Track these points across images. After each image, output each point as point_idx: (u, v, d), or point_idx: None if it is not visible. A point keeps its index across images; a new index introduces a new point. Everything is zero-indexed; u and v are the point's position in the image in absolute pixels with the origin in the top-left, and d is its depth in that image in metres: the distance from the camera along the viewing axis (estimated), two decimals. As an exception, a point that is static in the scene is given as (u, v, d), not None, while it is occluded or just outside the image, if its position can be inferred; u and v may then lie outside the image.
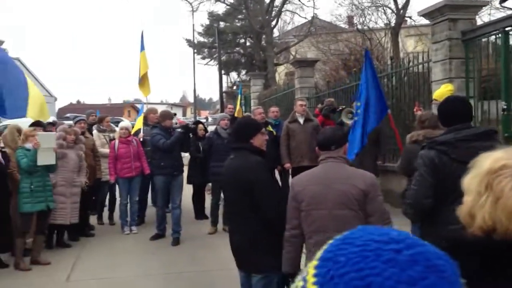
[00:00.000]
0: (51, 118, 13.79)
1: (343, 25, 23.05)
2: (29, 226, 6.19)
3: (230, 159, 3.58)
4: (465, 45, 6.75)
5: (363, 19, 17.71)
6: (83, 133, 7.87)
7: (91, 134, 8.41)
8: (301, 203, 3.03)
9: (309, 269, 0.73)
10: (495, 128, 3.30)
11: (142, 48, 11.43)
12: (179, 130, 7.34)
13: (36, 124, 7.60)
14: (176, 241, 7.11)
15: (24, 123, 7.19)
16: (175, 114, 8.01)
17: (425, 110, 5.63)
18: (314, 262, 0.73)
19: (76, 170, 7.07)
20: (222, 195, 7.83)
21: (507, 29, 5.92)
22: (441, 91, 5.84)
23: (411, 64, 8.35)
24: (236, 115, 11.40)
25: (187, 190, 8.58)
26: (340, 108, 7.86)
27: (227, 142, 7.65)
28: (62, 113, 38.59)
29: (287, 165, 7.78)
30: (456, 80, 6.76)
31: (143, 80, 11.50)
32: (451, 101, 3.25)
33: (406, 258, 0.69)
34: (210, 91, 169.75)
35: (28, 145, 6.14)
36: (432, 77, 7.22)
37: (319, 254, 0.75)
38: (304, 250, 3.23)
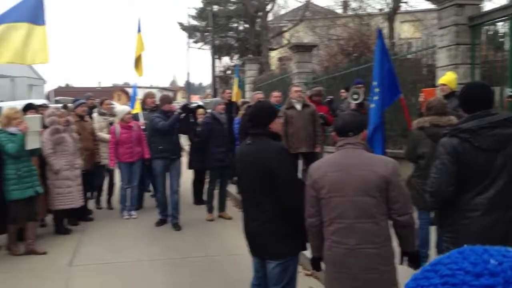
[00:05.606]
0: (42, 101, 13.60)
1: (338, 10, 22.88)
2: (21, 213, 5.92)
3: (247, 144, 3.47)
4: (472, 31, 6.70)
5: (360, 3, 17.53)
6: (83, 117, 7.76)
7: (90, 117, 8.28)
8: (320, 190, 2.97)
9: None
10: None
11: (139, 30, 11.50)
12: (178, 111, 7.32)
13: (28, 107, 7.44)
14: (176, 227, 7.05)
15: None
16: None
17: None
18: None
19: (74, 153, 6.97)
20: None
21: (515, 15, 5.86)
22: (449, 78, 5.79)
23: (414, 49, 8.29)
24: (234, 99, 11.28)
25: (188, 175, 8.51)
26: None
27: (227, 127, 7.58)
28: (51, 96, 38.06)
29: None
30: (461, 66, 6.72)
31: (138, 62, 11.50)
32: (474, 88, 3.16)
33: None
34: (200, 75, 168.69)
35: (12, 129, 5.81)
36: (437, 63, 7.17)
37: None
38: None
